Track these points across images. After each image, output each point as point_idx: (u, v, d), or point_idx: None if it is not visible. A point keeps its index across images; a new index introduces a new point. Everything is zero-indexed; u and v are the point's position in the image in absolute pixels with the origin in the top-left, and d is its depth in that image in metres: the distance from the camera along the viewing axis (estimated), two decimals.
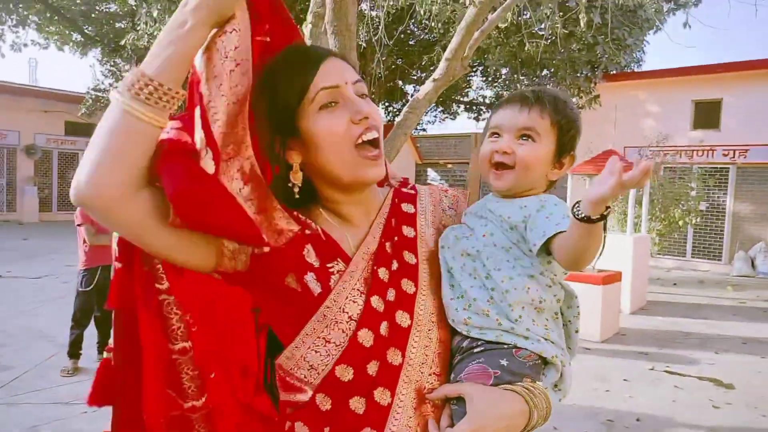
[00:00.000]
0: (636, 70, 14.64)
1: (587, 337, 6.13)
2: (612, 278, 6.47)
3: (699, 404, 4.39)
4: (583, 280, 6.28)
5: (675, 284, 10.32)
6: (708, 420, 4.09)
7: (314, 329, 0.87)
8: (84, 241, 4.61)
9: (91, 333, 4.76)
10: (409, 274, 0.93)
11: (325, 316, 0.87)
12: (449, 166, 22.23)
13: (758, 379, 5.03)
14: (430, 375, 0.90)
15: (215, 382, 0.87)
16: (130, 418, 0.85)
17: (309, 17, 3.54)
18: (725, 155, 12.45)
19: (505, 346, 0.90)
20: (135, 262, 0.85)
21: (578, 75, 12.82)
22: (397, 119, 4.18)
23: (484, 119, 18.30)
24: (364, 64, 11.36)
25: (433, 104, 19.67)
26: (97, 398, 0.88)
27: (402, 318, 0.89)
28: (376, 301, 0.88)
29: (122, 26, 14.30)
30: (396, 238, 0.96)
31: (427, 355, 0.90)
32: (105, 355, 0.87)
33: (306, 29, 3.70)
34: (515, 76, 15.19)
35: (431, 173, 22.55)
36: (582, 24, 6.02)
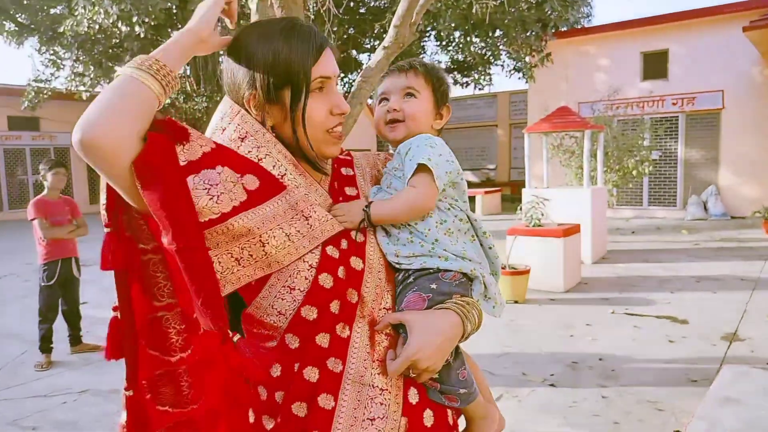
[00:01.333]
0: (586, 25, 14.86)
1: (552, 289, 6.36)
2: (572, 230, 6.69)
3: (656, 340, 4.66)
4: (544, 234, 6.48)
5: (633, 232, 10.72)
6: (664, 354, 4.35)
7: (278, 279, 0.95)
8: (40, 237, 4.53)
9: (60, 326, 4.72)
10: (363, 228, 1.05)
11: (287, 266, 0.95)
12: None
13: (709, 312, 5.34)
14: (380, 310, 1.01)
15: (203, 334, 0.93)
16: (133, 374, 0.90)
17: None
18: (674, 104, 12.85)
19: (431, 271, 1.03)
20: (120, 227, 0.90)
21: (529, 34, 12.92)
22: (352, 90, 4.19)
23: None
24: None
25: (385, 72, 19.52)
26: (111, 353, 0.93)
27: (356, 263, 1.00)
28: (331, 250, 0.99)
29: (58, 12, 13.70)
30: (341, 198, 1.08)
31: (377, 293, 1.01)
32: (113, 313, 0.92)
33: (252, 4, 3.65)
34: (468, 39, 15.20)
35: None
36: None
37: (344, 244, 1.01)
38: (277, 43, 0.97)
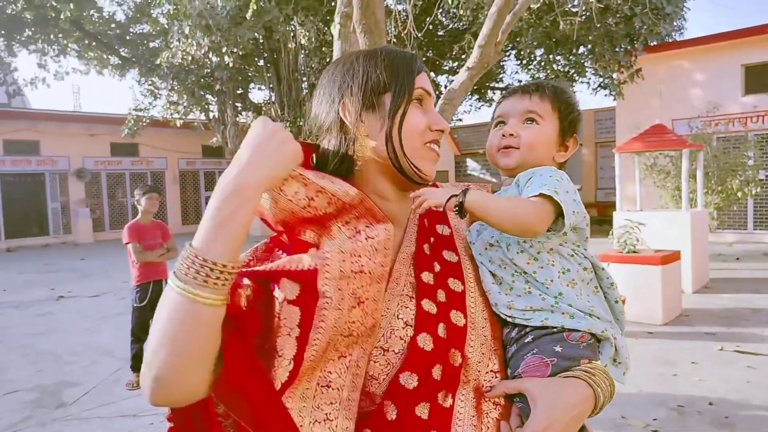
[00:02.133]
0: (678, 39, 14.04)
1: (649, 321, 5.90)
2: (671, 258, 6.19)
3: None
4: (641, 261, 6.04)
5: (738, 259, 9.85)
6: None
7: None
8: (134, 260, 4.72)
9: None
10: (453, 272, 0.92)
11: (380, 325, 0.83)
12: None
13: None
14: (487, 373, 0.88)
15: None
16: None
17: (336, 18, 3.50)
18: None
19: (554, 330, 0.88)
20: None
21: (617, 50, 12.36)
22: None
23: None
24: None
25: (468, 93, 19.44)
26: None
27: (457, 317, 0.87)
28: (427, 305, 0.86)
29: (156, 45, 14.68)
30: (432, 239, 0.96)
31: (483, 353, 0.88)
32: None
33: (335, 30, 3.66)
34: (550, 56, 14.81)
35: (471, 163, 22.28)
36: None
37: (442, 295, 0.88)
38: (379, 55, 0.92)
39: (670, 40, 13.91)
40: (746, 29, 12.19)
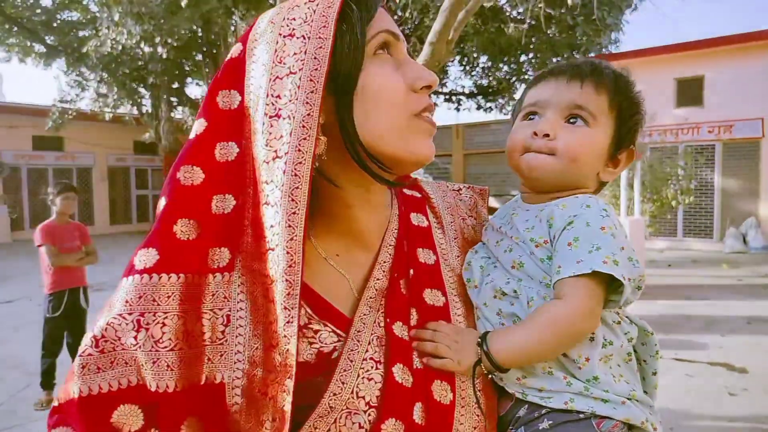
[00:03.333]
0: (613, 51, 14.52)
1: None
2: None
3: (714, 392, 4.18)
4: None
5: (670, 265, 10.19)
6: (727, 409, 3.88)
7: (316, 428, 0.58)
8: (48, 264, 4.26)
9: (64, 360, 4.42)
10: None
11: (331, 408, 0.58)
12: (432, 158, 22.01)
13: None
14: None
15: None
16: None
17: None
18: (710, 132, 12.36)
19: (580, 416, 0.65)
20: None
21: (559, 59, 12.65)
22: None
23: (464, 109, 18.16)
24: None
25: None
26: None
27: (441, 392, 0.62)
28: (400, 374, 0.61)
29: (86, 34, 13.83)
30: (412, 272, 0.69)
31: None
32: None
33: None
34: (494, 63, 15.00)
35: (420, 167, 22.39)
36: (569, 2, 5.77)
37: (417, 362, 0.63)
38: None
39: (607, 52, 14.38)
40: (679, 44, 12.72)
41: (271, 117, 0.59)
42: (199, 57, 13.87)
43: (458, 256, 0.75)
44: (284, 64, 0.60)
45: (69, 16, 14.68)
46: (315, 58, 0.59)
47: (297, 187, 0.57)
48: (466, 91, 18.51)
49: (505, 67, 15.24)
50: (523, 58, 14.53)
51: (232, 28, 11.92)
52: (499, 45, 12.68)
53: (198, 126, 0.64)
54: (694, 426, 3.67)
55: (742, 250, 11.59)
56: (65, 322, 4.35)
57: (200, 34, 12.82)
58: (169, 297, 0.58)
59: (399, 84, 0.62)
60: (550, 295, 0.67)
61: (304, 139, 0.58)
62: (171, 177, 0.62)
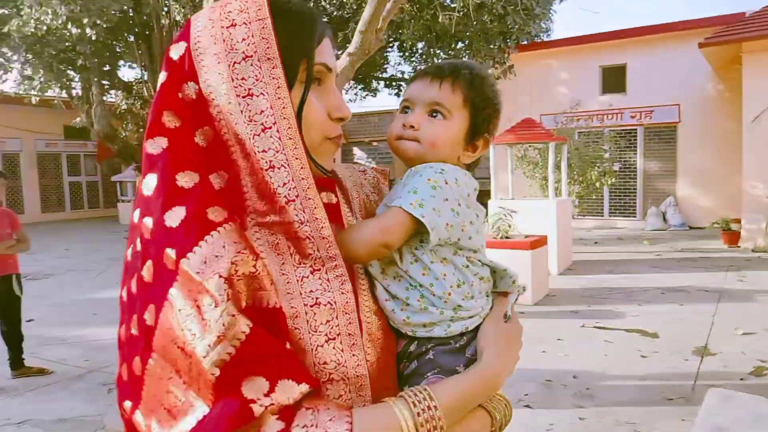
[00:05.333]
0: (545, 39, 15.07)
1: (521, 301, 6.22)
2: (539, 242, 6.64)
3: (629, 356, 4.59)
4: (511, 246, 6.41)
5: (596, 243, 10.82)
6: (638, 370, 4.28)
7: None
8: None
9: (1, 348, 4.35)
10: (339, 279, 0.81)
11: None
12: (374, 144, 22.23)
13: (678, 326, 5.33)
14: (383, 389, 0.79)
15: None
16: None
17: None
18: (632, 117, 13.11)
19: (456, 347, 0.84)
20: None
21: (492, 46, 13.01)
22: None
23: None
24: None
25: (353, 82, 19.48)
26: None
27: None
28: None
29: (6, 12, 13.07)
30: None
31: (380, 367, 0.80)
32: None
33: (207, 4, 3.45)
34: (431, 50, 15.24)
35: (357, 152, 22.43)
36: None
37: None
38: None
39: (539, 41, 14.91)
40: (604, 33, 13.36)
41: (244, 97, 0.71)
42: (131, 38, 13.41)
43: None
44: (236, 50, 0.71)
45: None
46: (263, 38, 0.71)
47: (296, 147, 0.72)
48: (406, 76, 18.68)
49: (442, 54, 15.50)
50: (459, 45, 14.83)
51: (165, 10, 11.60)
52: (434, 32, 12.89)
53: (168, 122, 0.73)
54: (609, 385, 4.04)
55: (662, 228, 12.43)
56: None
57: (131, 15, 12.40)
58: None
59: (320, 112, 0.77)
60: (414, 248, 0.85)
61: (284, 107, 0.71)
62: (166, 181, 0.71)
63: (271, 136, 0.72)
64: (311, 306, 0.73)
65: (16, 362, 4.48)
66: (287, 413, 0.65)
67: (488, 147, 0.95)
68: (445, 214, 0.81)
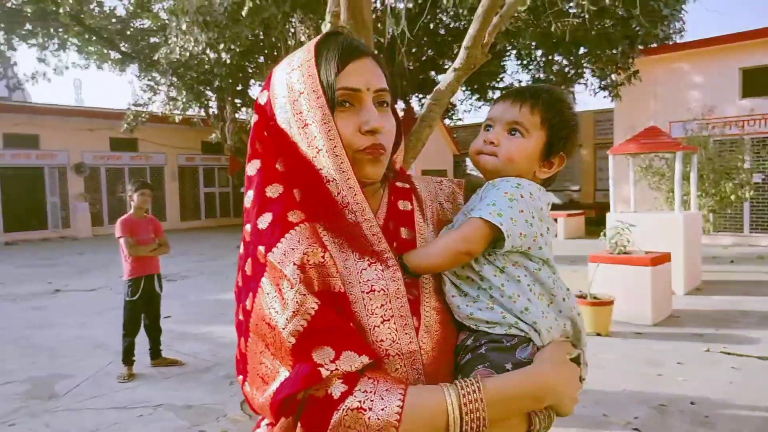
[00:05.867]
0: (678, 41, 14.05)
1: (638, 321, 5.94)
2: (661, 259, 6.23)
3: (759, 385, 4.19)
4: (629, 262, 6.09)
5: (732, 261, 9.88)
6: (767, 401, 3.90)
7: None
8: (126, 254, 4.76)
9: (142, 340, 4.92)
10: (412, 280, 0.93)
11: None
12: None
13: None
14: (437, 375, 0.90)
15: None
16: None
17: (327, 17, 3.55)
18: None
19: (508, 344, 0.90)
20: None
21: (615, 51, 12.39)
22: (421, 112, 4.14)
23: None
24: (393, 58, 11.33)
25: (469, 92, 19.47)
26: None
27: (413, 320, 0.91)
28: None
29: (156, 41, 14.72)
30: (395, 244, 0.95)
31: (434, 356, 0.91)
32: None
33: (325, 29, 3.71)
34: (550, 57, 14.84)
35: (470, 163, 22.43)
36: None
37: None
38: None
39: (670, 43, 13.94)
40: (745, 32, 12.21)
41: (301, 128, 0.89)
42: (261, 60, 14.49)
43: (432, 232, 1.01)
44: (294, 89, 0.90)
45: (141, 24, 15.65)
46: (309, 75, 0.88)
47: (342, 162, 0.88)
48: (524, 85, 18.27)
49: (563, 61, 15.02)
50: (581, 51, 14.28)
51: (291, 32, 12.42)
52: (554, 39, 12.54)
53: (259, 149, 0.93)
54: (732, 414, 3.72)
55: None
56: (142, 305, 4.85)
57: (261, 38, 13.42)
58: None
59: (347, 129, 0.88)
60: (487, 253, 0.94)
61: (329, 131, 0.87)
62: (258, 193, 0.89)
63: (323, 156, 0.88)
64: (367, 293, 0.86)
65: (155, 353, 5.05)
66: (351, 379, 0.78)
67: (563, 164, 1.02)
68: (520, 224, 0.90)
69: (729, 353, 4.92)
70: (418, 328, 0.89)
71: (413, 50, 16.23)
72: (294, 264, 0.80)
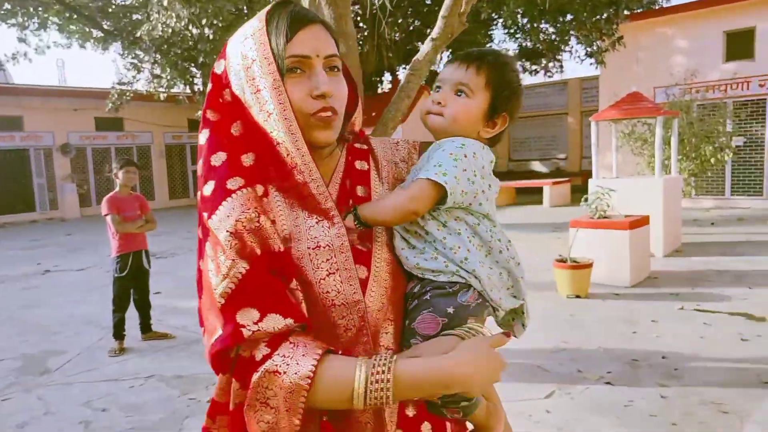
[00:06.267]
0: (665, 6, 14.02)
1: (617, 283, 6.11)
2: (639, 222, 6.38)
3: (727, 339, 4.37)
4: (608, 226, 6.23)
5: (713, 224, 10.07)
6: (735, 353, 4.08)
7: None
8: (113, 231, 4.84)
9: (132, 315, 5.03)
10: (363, 233, 0.99)
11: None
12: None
13: None
14: (385, 320, 0.98)
15: None
16: None
17: None
18: (761, 86, 11.92)
19: (450, 290, 0.98)
20: None
21: (599, 17, 12.37)
22: (400, 83, 4.19)
23: None
24: (376, 29, 11.26)
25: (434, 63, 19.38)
26: None
27: (360, 271, 0.96)
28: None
29: (139, 17, 14.49)
30: (351, 201, 1.01)
31: (383, 303, 0.97)
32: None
33: (304, 1, 3.74)
34: (536, 25, 14.77)
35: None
36: None
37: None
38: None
39: (656, 8, 13.91)
40: None
41: (254, 93, 0.95)
42: None
43: (387, 190, 1.07)
44: (247, 57, 0.96)
45: (123, 1, 15.38)
46: (261, 43, 0.94)
47: (291, 125, 0.93)
48: (511, 54, 18.20)
49: (549, 28, 14.96)
50: (568, 17, 14.21)
51: None
52: (541, 7, 12.48)
53: (210, 117, 0.98)
54: (700, 366, 3.89)
55: None
56: (131, 281, 4.94)
57: (245, 13, 13.25)
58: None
59: (296, 94, 0.93)
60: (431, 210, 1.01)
61: (279, 95, 0.93)
62: (205, 162, 0.95)
63: (273, 120, 0.94)
64: (314, 248, 0.92)
65: (145, 327, 5.16)
66: (274, 342, 0.84)
67: (506, 125, 1.08)
68: (462, 182, 0.96)
69: (702, 310, 5.11)
70: (368, 279, 0.96)
71: (399, 21, 16.10)
72: (227, 230, 0.87)
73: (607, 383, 3.69)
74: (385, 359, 0.85)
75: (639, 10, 13.24)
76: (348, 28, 3.80)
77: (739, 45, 12.26)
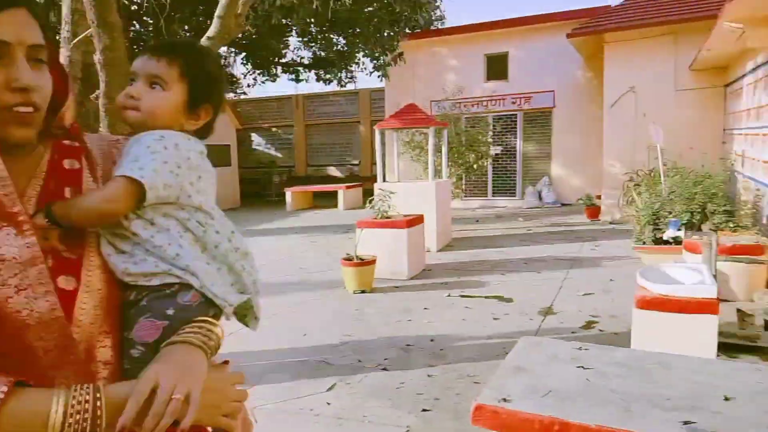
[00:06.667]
0: (441, 27, 15.60)
1: (397, 276, 6.66)
2: (415, 221, 7.05)
3: (483, 319, 5.07)
4: (389, 225, 6.77)
5: (478, 221, 11.51)
6: (488, 330, 4.76)
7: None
8: None
9: None
10: (71, 239, 0.90)
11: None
12: (273, 129, 22.08)
13: (532, 291, 5.92)
14: (100, 334, 0.89)
15: None
16: None
17: None
18: (513, 103, 13.96)
19: (168, 292, 0.92)
20: None
21: (382, 34, 13.34)
22: None
23: (303, 80, 18.35)
24: (159, 25, 10.63)
25: (251, 67, 19.11)
26: None
27: (67, 282, 0.87)
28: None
29: None
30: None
31: (97, 314, 0.89)
32: None
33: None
34: (327, 35, 15.32)
35: (255, 137, 22.16)
36: None
37: (49, 262, 0.86)
38: None
39: (433, 29, 15.43)
40: (488, 23, 14.07)
41: None
42: None
43: None
44: None
45: None
46: None
47: None
48: (305, 61, 18.58)
49: (341, 39, 15.63)
50: (357, 31, 15.01)
51: None
52: (333, 18, 12.99)
53: None
54: (460, 345, 4.46)
55: (537, 206, 13.43)
56: None
57: None
58: None
59: None
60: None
61: None
62: None
63: None
64: None
65: None
66: None
67: (211, 116, 1.06)
68: (164, 175, 0.91)
69: (465, 296, 5.84)
70: (77, 290, 0.87)
71: (189, 17, 15.34)
72: None
73: (384, 369, 4.02)
74: (87, 390, 0.79)
75: (417, 30, 14.58)
76: (112, 18, 3.56)
77: (497, 67, 14.20)
